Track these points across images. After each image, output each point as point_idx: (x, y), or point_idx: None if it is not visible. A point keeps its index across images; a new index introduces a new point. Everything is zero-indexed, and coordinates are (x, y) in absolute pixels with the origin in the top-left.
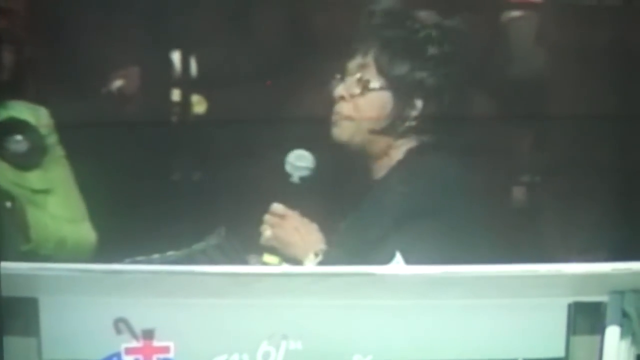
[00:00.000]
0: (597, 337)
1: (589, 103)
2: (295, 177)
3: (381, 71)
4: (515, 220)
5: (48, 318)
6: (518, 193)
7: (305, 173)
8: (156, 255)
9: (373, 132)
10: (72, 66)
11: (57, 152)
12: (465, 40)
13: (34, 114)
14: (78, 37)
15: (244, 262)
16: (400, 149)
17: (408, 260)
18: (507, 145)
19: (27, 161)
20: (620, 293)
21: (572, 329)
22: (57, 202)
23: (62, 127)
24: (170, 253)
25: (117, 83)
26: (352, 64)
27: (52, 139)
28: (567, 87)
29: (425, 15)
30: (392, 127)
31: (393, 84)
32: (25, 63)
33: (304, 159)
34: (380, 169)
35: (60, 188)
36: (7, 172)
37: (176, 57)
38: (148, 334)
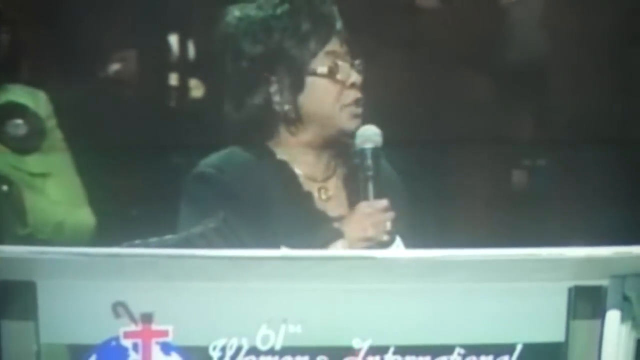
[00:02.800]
0: (597, 322)
1: (590, 88)
2: (369, 147)
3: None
4: (516, 204)
5: (46, 302)
6: (519, 177)
7: (379, 141)
8: (154, 239)
9: None
10: (71, 50)
11: (56, 136)
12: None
13: (33, 98)
14: (77, 21)
15: (243, 245)
16: None
17: (407, 244)
18: (507, 129)
19: (26, 145)
20: (621, 277)
21: (573, 313)
22: (55, 186)
23: (61, 111)
24: (168, 236)
25: (116, 66)
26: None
27: (51, 123)
28: (568, 69)
29: None
30: None
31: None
32: (25, 47)
33: (374, 129)
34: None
35: (58, 172)
36: (5, 155)
37: (175, 40)
38: (147, 318)
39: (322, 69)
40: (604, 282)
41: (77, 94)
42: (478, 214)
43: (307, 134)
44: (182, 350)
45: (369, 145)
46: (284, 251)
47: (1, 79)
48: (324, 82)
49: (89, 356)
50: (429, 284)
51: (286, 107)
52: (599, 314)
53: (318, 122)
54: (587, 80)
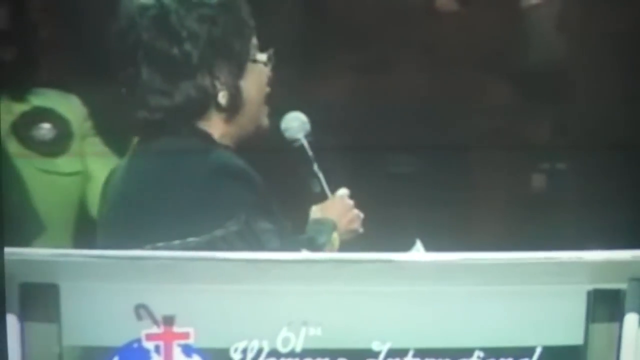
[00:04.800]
0: (615, 325)
1: (611, 92)
2: (302, 136)
3: None
4: (534, 207)
5: (68, 304)
6: (538, 180)
7: (308, 128)
8: (176, 241)
9: None
10: (103, 53)
11: (91, 138)
12: None
13: (63, 102)
14: (107, 24)
15: (264, 247)
16: None
17: (427, 247)
18: (526, 131)
19: (54, 148)
20: (639, 280)
21: (591, 316)
22: (90, 185)
23: (93, 114)
24: (190, 239)
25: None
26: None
27: (86, 126)
28: (586, 71)
29: None
30: None
31: None
32: (55, 50)
33: (299, 116)
34: None
35: (92, 170)
36: (33, 160)
37: None
38: (168, 320)
39: (262, 57)
40: (623, 286)
41: (109, 97)
42: (497, 217)
43: (235, 124)
44: (203, 352)
45: (302, 135)
46: (305, 254)
47: (31, 83)
48: (260, 69)
49: (111, 358)
50: (449, 287)
51: (226, 90)
52: (618, 317)
53: (250, 110)
54: (609, 83)
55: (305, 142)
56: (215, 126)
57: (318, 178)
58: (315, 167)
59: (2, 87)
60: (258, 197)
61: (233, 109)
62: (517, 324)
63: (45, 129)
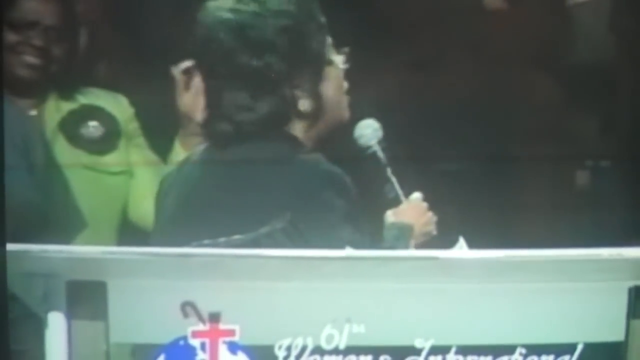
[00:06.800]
0: None
1: None
2: (375, 143)
3: None
4: (576, 205)
5: (116, 302)
6: (581, 177)
7: (380, 135)
8: (222, 239)
9: None
10: (152, 54)
11: (134, 138)
12: None
13: (112, 101)
14: (159, 25)
15: (309, 245)
16: None
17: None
18: (569, 131)
19: (102, 146)
20: None
21: (632, 312)
22: (135, 183)
23: (140, 114)
24: (236, 237)
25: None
26: None
27: (132, 126)
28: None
29: None
30: None
31: None
32: (105, 51)
33: (372, 123)
34: None
35: (137, 170)
36: (80, 157)
37: None
38: (214, 317)
39: (338, 59)
40: None
41: (156, 98)
42: (539, 215)
43: (318, 126)
44: (248, 349)
45: (375, 142)
46: (348, 251)
47: (81, 82)
48: (337, 71)
49: (158, 355)
50: (491, 284)
51: (307, 98)
52: None
53: (331, 111)
54: None
55: (378, 149)
56: (299, 130)
57: (392, 183)
58: (389, 172)
59: (53, 85)
60: (348, 203)
61: (314, 115)
62: (559, 320)
63: (94, 127)
